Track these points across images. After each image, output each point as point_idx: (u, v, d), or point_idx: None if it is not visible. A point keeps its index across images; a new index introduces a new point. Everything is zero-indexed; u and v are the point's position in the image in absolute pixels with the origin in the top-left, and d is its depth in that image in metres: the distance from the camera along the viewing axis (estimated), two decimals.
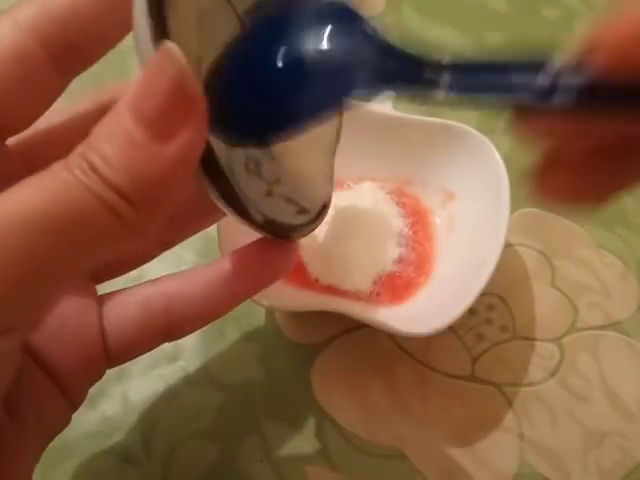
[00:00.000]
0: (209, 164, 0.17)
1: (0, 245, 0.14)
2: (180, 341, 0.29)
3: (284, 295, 0.28)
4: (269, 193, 0.21)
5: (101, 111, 0.20)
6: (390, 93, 0.16)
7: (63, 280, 0.15)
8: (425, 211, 0.31)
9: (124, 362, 0.21)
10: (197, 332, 0.29)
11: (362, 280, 0.29)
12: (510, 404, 0.28)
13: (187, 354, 0.29)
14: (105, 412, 0.27)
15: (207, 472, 0.26)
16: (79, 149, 0.15)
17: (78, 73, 0.19)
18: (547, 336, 0.30)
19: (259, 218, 0.19)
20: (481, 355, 0.29)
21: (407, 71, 0.16)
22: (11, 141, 0.19)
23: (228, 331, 0.29)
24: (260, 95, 0.19)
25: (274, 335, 0.29)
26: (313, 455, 0.27)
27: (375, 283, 0.29)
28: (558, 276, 0.31)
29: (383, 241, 0.29)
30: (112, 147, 0.14)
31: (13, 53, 0.17)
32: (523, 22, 0.40)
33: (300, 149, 0.22)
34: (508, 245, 0.31)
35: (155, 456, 0.26)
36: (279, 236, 0.20)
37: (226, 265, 0.21)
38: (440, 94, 0.15)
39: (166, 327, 0.21)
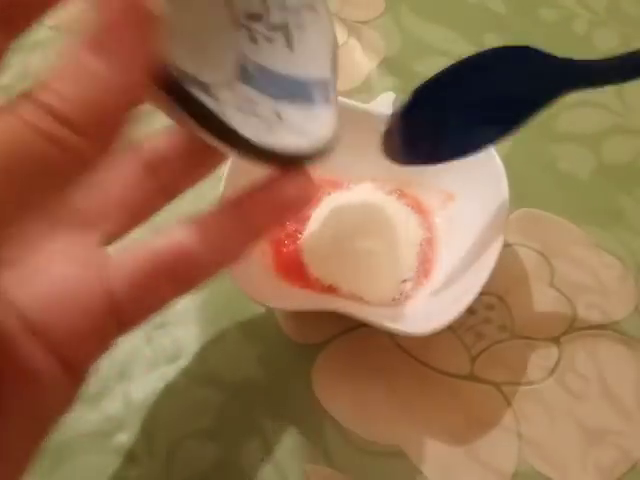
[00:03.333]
0: (172, 88, 0.16)
1: None
2: (181, 340, 0.29)
3: (284, 295, 0.29)
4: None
5: None
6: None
7: (11, 221, 0.14)
8: (425, 212, 0.31)
9: (137, 323, 0.20)
10: (198, 331, 0.29)
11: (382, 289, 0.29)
12: (509, 403, 0.28)
13: (188, 353, 0.29)
14: (107, 411, 0.28)
15: (208, 470, 0.26)
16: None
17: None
18: (545, 335, 0.30)
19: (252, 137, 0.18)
20: (480, 354, 0.29)
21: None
22: None
23: (228, 331, 0.29)
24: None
25: (274, 335, 0.29)
26: (313, 453, 0.27)
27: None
28: (557, 276, 0.31)
29: (398, 246, 0.30)
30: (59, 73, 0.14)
31: None
32: (521, 23, 0.41)
33: None
34: (507, 245, 0.32)
35: (157, 455, 0.27)
36: (285, 164, 0.19)
37: (240, 202, 0.20)
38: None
39: (173, 273, 0.19)
